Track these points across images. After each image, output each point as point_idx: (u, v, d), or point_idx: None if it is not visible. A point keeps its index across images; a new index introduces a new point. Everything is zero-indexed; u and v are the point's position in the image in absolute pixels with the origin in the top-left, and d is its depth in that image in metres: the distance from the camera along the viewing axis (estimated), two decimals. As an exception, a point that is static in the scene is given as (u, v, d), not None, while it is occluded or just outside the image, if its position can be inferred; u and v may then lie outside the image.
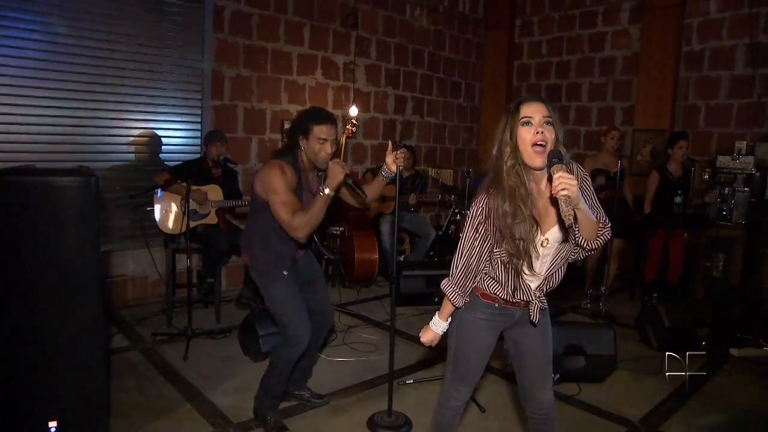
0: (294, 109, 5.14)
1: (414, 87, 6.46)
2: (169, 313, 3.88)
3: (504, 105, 6.59)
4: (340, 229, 5.00)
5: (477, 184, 2.76)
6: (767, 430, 2.88)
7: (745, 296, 4.21)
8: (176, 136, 4.59)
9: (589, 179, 1.72)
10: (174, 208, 3.97)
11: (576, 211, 1.48)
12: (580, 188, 1.55)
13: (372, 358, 3.48)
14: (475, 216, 1.69)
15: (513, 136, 1.63)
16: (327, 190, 2.33)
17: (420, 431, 2.61)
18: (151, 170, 4.21)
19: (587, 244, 1.64)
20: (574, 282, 4.65)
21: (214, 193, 4.05)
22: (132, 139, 4.35)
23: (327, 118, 2.44)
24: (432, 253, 5.52)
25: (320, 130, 2.40)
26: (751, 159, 4.81)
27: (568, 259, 1.74)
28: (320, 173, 2.55)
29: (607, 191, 4.40)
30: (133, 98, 4.29)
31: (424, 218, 6.00)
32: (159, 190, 3.90)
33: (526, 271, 1.69)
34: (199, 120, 4.68)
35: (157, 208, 3.93)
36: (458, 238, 1.77)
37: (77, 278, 2.01)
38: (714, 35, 5.43)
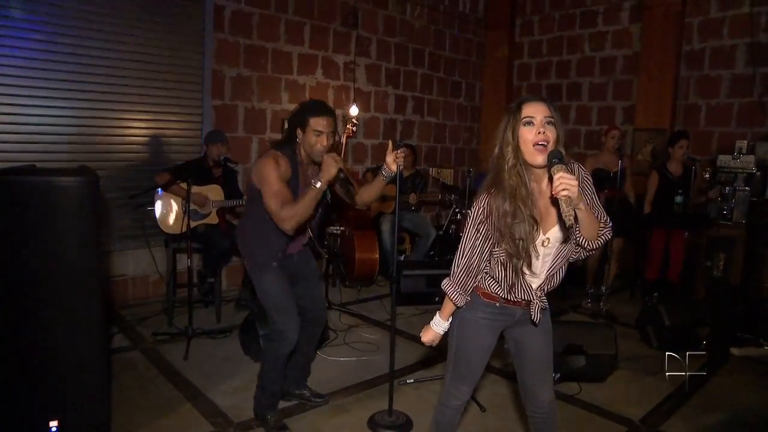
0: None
1: (414, 86, 6.45)
2: (170, 312, 3.88)
3: (504, 104, 6.62)
4: (341, 228, 5.00)
5: (477, 184, 2.75)
6: (767, 430, 2.88)
7: (746, 296, 4.22)
8: (177, 135, 4.59)
9: (590, 179, 1.72)
10: (175, 207, 3.97)
11: (576, 211, 1.48)
12: (581, 188, 1.55)
13: (372, 357, 3.48)
14: (477, 215, 1.69)
15: (514, 135, 1.63)
16: (319, 184, 2.29)
17: (420, 431, 2.61)
18: (151, 170, 4.21)
19: (588, 244, 1.64)
20: (574, 281, 4.65)
21: (215, 193, 4.06)
22: (133, 138, 4.35)
23: (324, 111, 2.41)
24: (432, 252, 5.52)
25: (317, 122, 2.38)
26: (751, 158, 4.81)
27: (569, 258, 1.74)
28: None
29: (608, 190, 4.40)
30: (133, 98, 4.29)
31: (424, 218, 6.00)
32: (160, 189, 3.90)
33: (526, 271, 1.69)
34: (200, 120, 4.68)
35: (158, 206, 3.94)
36: (459, 237, 1.77)
37: (78, 278, 2.01)
38: (714, 34, 5.42)
